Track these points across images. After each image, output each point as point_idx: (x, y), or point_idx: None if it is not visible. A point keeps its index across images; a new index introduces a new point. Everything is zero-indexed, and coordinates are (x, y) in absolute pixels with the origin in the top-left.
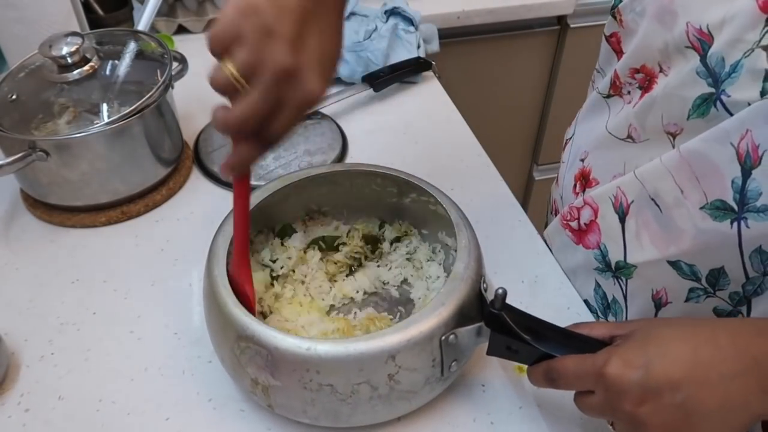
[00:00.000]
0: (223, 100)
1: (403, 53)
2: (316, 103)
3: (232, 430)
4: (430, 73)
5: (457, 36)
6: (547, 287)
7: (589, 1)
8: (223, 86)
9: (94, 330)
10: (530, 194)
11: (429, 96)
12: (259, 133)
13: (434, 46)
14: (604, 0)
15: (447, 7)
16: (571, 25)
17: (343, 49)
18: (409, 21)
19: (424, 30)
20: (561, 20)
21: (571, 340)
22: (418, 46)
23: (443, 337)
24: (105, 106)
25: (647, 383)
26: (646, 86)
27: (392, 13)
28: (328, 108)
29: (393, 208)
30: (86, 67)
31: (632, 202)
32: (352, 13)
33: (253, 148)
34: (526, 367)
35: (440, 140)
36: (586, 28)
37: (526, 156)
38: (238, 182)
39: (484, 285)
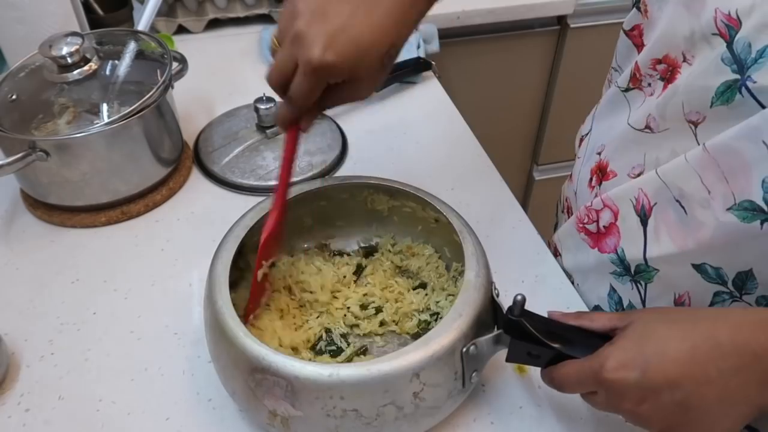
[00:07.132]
0: None
1: (403, 53)
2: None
3: (232, 430)
4: (430, 73)
5: (457, 36)
6: (547, 287)
7: (589, 1)
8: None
9: (94, 330)
10: (530, 194)
11: (429, 96)
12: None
13: (434, 46)
14: (604, 0)
15: (447, 7)
16: (571, 25)
17: (395, 38)
18: None
19: (424, 30)
20: (561, 20)
21: (594, 340)
22: (418, 46)
23: (464, 349)
24: (105, 106)
25: (645, 384)
26: (668, 77)
27: None
28: None
29: (383, 219)
30: (86, 67)
31: (655, 204)
32: None
33: (286, 106)
34: (526, 367)
35: (440, 140)
36: (586, 28)
37: (526, 156)
38: (289, 134)
39: (496, 291)
